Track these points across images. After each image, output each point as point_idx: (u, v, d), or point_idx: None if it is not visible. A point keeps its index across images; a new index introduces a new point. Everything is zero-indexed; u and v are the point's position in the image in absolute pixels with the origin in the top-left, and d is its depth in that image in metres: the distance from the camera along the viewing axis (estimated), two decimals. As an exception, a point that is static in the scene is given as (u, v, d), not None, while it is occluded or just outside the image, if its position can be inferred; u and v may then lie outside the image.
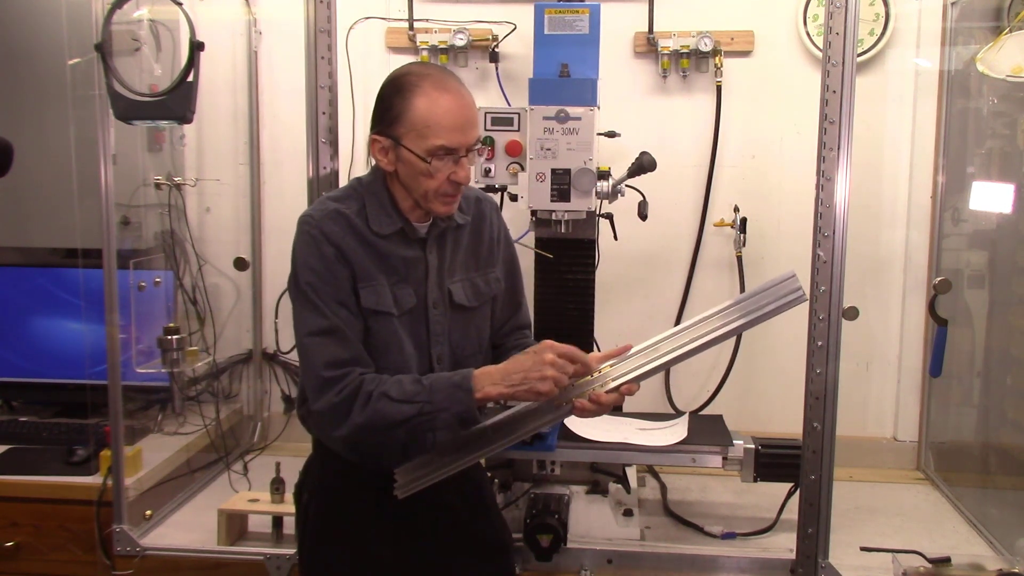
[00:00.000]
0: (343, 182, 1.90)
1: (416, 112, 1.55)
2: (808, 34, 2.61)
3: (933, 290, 2.34)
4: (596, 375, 1.58)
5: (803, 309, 1.91)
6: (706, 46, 2.58)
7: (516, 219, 2.29)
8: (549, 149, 2.20)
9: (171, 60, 2.38)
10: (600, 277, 2.41)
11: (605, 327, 2.51)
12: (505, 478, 2.21)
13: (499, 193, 2.31)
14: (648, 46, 2.65)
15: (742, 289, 2.63)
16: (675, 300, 2.75)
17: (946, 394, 2.61)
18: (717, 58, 2.61)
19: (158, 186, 2.67)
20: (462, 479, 1.76)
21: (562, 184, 2.20)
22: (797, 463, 1.98)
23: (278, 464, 2.19)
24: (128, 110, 2.01)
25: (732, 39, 2.62)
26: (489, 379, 1.51)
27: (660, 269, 2.76)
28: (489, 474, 2.18)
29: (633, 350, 1.59)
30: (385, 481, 1.64)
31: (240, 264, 2.74)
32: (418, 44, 2.68)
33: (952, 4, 2.55)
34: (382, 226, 1.61)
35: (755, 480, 2.10)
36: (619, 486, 2.22)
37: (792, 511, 2.07)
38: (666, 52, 2.62)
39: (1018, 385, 2.27)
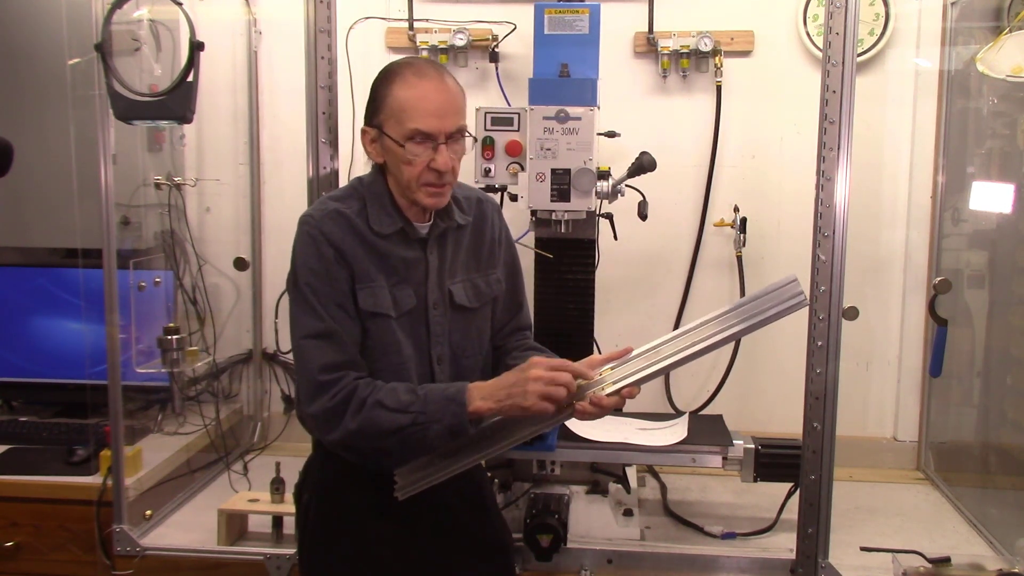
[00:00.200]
0: (343, 182, 1.91)
1: (394, 98, 1.56)
2: (808, 34, 2.61)
3: (933, 290, 2.34)
4: (597, 377, 1.58)
5: (804, 309, 1.92)
6: (706, 46, 2.58)
7: (516, 219, 2.28)
8: (549, 149, 2.20)
9: (171, 60, 2.38)
10: (600, 277, 2.41)
11: (605, 327, 2.51)
12: (505, 478, 2.21)
13: (499, 193, 2.31)
14: (648, 46, 2.65)
15: (742, 289, 2.63)
16: (675, 300, 2.75)
17: (946, 394, 2.61)
18: (717, 58, 2.61)
19: (158, 186, 2.67)
20: (462, 479, 1.75)
21: (562, 184, 2.20)
22: (797, 463, 1.98)
23: (278, 464, 2.19)
24: (128, 110, 2.00)
25: (732, 39, 2.62)
26: (479, 393, 1.52)
27: (660, 269, 2.76)
28: (489, 474, 2.17)
29: (634, 353, 1.59)
30: (385, 481, 1.64)
31: (240, 264, 2.74)
32: (418, 44, 2.68)
33: (952, 4, 2.55)
34: (383, 225, 1.61)
35: (755, 480, 2.11)
36: (619, 486, 2.22)
37: (792, 511, 2.07)
38: (666, 52, 2.62)
39: (1018, 385, 2.27)
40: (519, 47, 2.63)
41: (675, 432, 2.15)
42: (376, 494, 1.66)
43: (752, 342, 2.66)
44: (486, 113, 2.27)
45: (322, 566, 1.71)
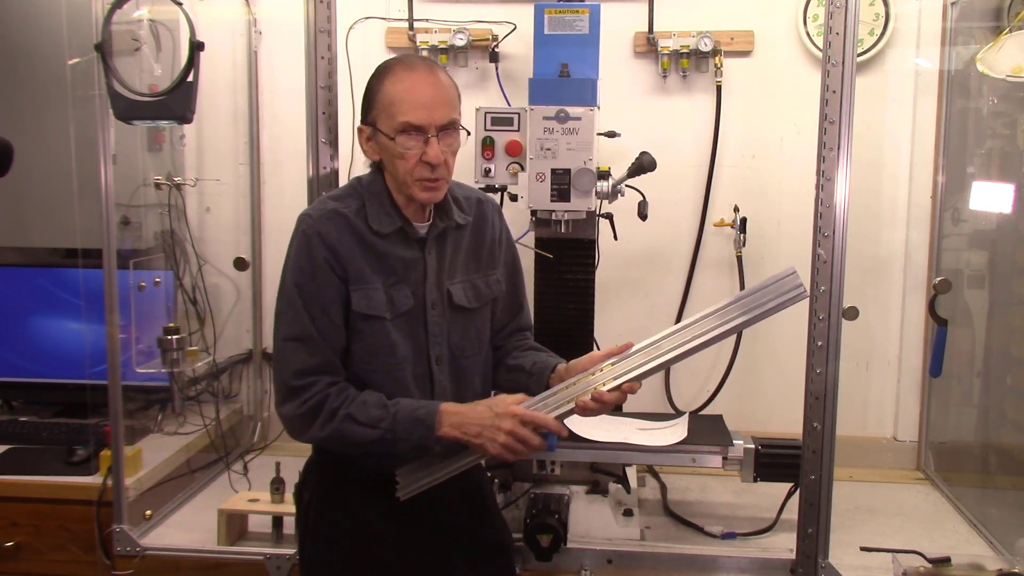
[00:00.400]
0: (343, 182, 1.90)
1: (385, 92, 1.57)
2: (808, 34, 2.61)
3: (933, 290, 2.34)
4: (598, 373, 1.58)
5: (803, 309, 1.92)
6: (706, 46, 2.58)
7: (516, 219, 2.28)
8: (549, 149, 2.20)
9: (171, 60, 2.38)
10: (600, 277, 2.40)
11: (605, 327, 2.50)
12: (505, 478, 2.21)
13: (499, 193, 2.31)
14: (648, 46, 2.65)
15: (742, 289, 2.62)
16: (675, 300, 2.75)
17: (946, 394, 2.61)
18: (717, 58, 2.61)
19: (158, 186, 2.67)
20: (462, 479, 1.76)
21: (562, 184, 2.20)
22: (797, 463, 1.98)
23: (278, 464, 2.19)
24: (128, 110, 2.00)
25: (732, 39, 2.62)
26: (450, 420, 1.55)
27: (660, 269, 2.76)
28: (489, 474, 2.17)
29: (634, 348, 1.59)
30: (386, 482, 1.64)
31: (240, 264, 2.74)
32: (418, 44, 2.68)
33: (952, 4, 2.55)
34: (382, 225, 1.61)
35: (755, 480, 2.10)
36: (619, 486, 2.22)
37: (792, 511, 2.07)
38: (666, 52, 2.62)
39: (1018, 385, 2.27)
40: (519, 47, 2.63)
41: (675, 432, 2.15)
42: (376, 494, 1.66)
43: (752, 342, 2.66)
44: (486, 113, 2.27)
45: (322, 566, 1.71)
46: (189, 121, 2.03)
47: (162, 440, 2.57)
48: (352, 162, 2.50)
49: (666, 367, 1.61)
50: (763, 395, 2.74)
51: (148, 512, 2.24)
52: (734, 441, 2.11)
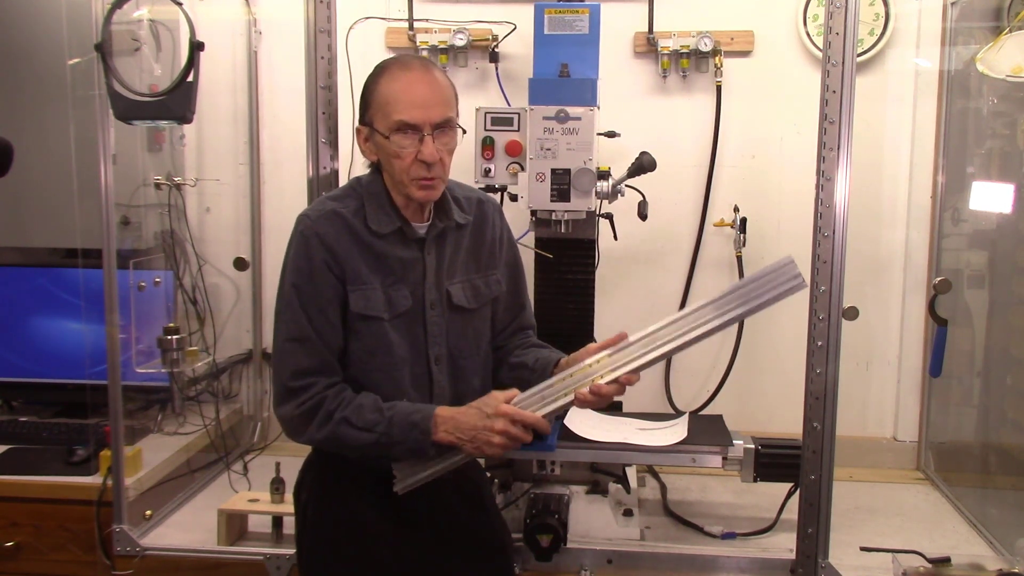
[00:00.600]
0: (343, 182, 1.91)
1: (380, 91, 1.58)
2: (808, 34, 2.61)
3: (933, 290, 2.34)
4: (595, 365, 1.57)
5: (803, 309, 1.92)
6: (706, 46, 2.58)
7: (516, 219, 2.28)
8: (549, 149, 2.20)
9: (171, 60, 2.38)
10: (600, 277, 2.41)
11: (605, 327, 2.50)
12: (505, 478, 2.21)
13: (499, 193, 2.31)
14: (648, 46, 2.65)
15: (742, 289, 2.63)
16: (675, 300, 2.75)
17: (946, 394, 2.61)
18: (717, 58, 2.61)
19: (158, 186, 2.67)
20: (461, 479, 1.76)
21: (562, 184, 2.20)
22: (797, 463, 1.98)
23: (278, 464, 2.19)
24: (128, 110, 2.00)
25: (732, 39, 2.62)
26: (444, 425, 1.55)
27: (660, 269, 2.76)
28: (489, 474, 2.18)
29: (632, 339, 1.58)
30: (384, 481, 1.64)
31: (240, 264, 2.74)
32: (418, 44, 2.68)
33: (952, 4, 2.55)
34: (380, 225, 1.61)
35: (755, 480, 2.10)
36: (619, 486, 2.22)
37: (792, 511, 2.07)
38: (666, 52, 2.62)
39: (1018, 385, 2.27)
40: (519, 47, 2.63)
41: (675, 432, 2.15)
42: (375, 494, 1.66)
43: (752, 342, 2.66)
44: (486, 113, 2.27)
45: (321, 566, 1.71)
46: (189, 121, 2.03)
47: (162, 440, 2.57)
48: (352, 162, 2.50)
49: (664, 359, 1.60)
50: (763, 395, 2.74)
51: (148, 512, 2.24)
52: (734, 441, 2.11)
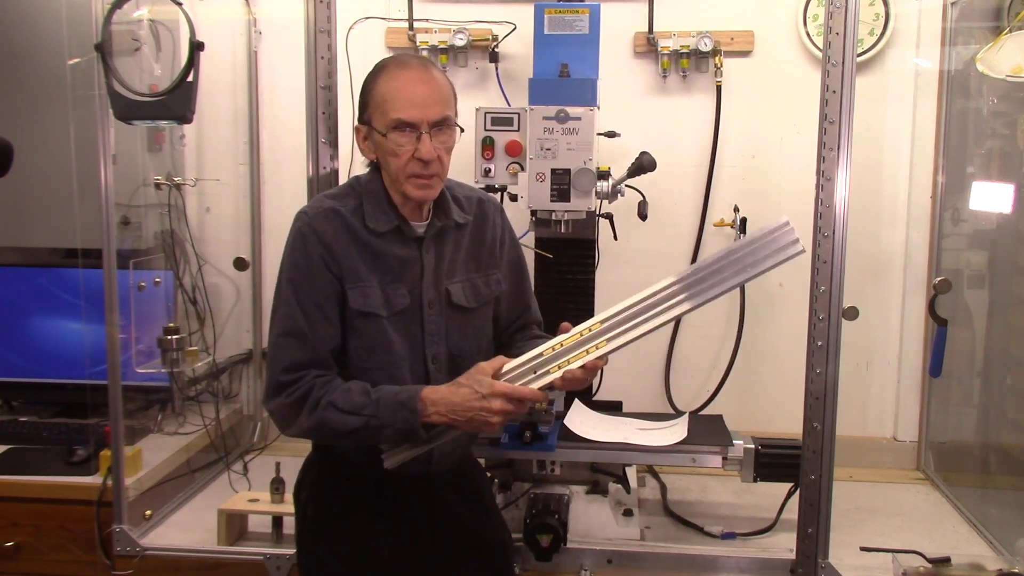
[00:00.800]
0: (343, 182, 1.90)
1: (378, 90, 1.58)
2: (808, 34, 2.61)
3: (933, 290, 2.34)
4: (587, 333, 1.57)
5: (803, 309, 1.92)
6: (706, 46, 2.58)
7: (516, 219, 2.28)
8: (549, 149, 2.20)
9: (171, 60, 2.38)
10: (600, 277, 2.41)
11: (605, 327, 2.50)
12: (505, 478, 2.21)
13: (499, 193, 2.31)
14: (648, 46, 2.65)
15: (741, 290, 2.62)
16: (675, 300, 2.74)
17: (946, 394, 2.61)
18: (717, 58, 2.61)
19: (158, 186, 2.67)
20: (461, 479, 1.76)
21: (562, 184, 2.20)
22: (797, 463, 1.98)
23: (278, 464, 2.19)
24: (128, 110, 2.00)
25: (732, 39, 2.62)
26: (434, 406, 1.53)
27: (660, 269, 2.73)
28: (489, 474, 2.18)
29: (623, 304, 1.59)
30: (383, 481, 1.64)
31: (240, 264, 2.74)
32: (418, 44, 2.68)
33: (952, 4, 2.55)
34: (378, 223, 1.62)
35: (755, 480, 2.10)
36: (619, 486, 2.22)
37: (792, 511, 2.07)
38: (666, 52, 2.62)
39: (1018, 385, 2.27)
40: (519, 47, 2.63)
41: (675, 432, 2.15)
42: (375, 494, 1.66)
43: (752, 342, 2.66)
44: (486, 113, 2.27)
45: (320, 566, 1.71)
46: (189, 121, 2.03)
47: (162, 440, 2.57)
48: (352, 162, 2.50)
49: (657, 329, 1.58)
50: (763, 395, 2.74)
51: (148, 512, 2.24)
52: (734, 441, 2.11)
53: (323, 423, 1.55)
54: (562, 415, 2.21)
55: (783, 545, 2.11)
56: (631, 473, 2.29)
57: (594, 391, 2.50)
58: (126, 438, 2.20)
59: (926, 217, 2.64)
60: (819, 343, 1.91)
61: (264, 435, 2.86)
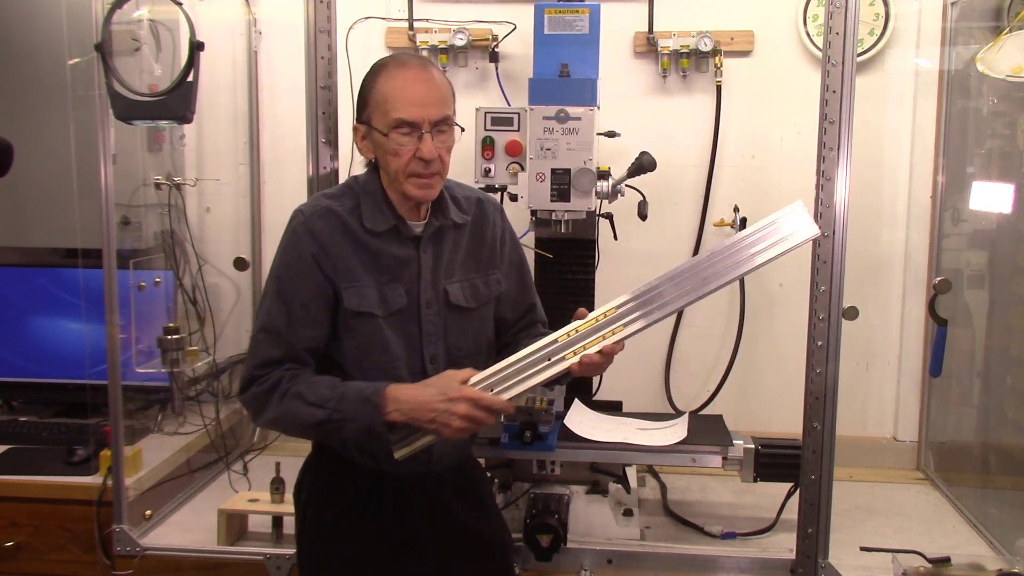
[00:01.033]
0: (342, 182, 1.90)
1: (378, 89, 1.58)
2: (808, 34, 2.61)
3: (933, 290, 2.34)
4: (602, 319, 1.56)
5: (803, 309, 1.92)
6: (706, 46, 2.58)
7: (516, 219, 2.28)
8: (549, 149, 2.20)
9: (171, 60, 2.38)
10: (600, 277, 2.41)
11: (605, 327, 2.50)
12: (505, 478, 2.21)
13: (499, 193, 2.31)
14: (648, 46, 2.65)
15: (742, 290, 2.62)
16: (675, 300, 2.74)
17: (946, 394, 2.61)
18: (717, 58, 2.61)
19: (158, 186, 2.67)
20: (461, 479, 1.76)
21: (562, 184, 2.20)
22: (797, 463, 1.98)
23: (278, 464, 2.19)
24: (128, 110, 2.00)
25: (732, 39, 2.62)
26: (397, 404, 1.51)
27: (660, 269, 2.73)
28: (489, 474, 2.18)
29: (638, 290, 1.59)
30: (383, 480, 1.64)
31: (240, 264, 2.74)
32: (418, 44, 2.68)
33: (952, 4, 2.55)
34: (375, 223, 1.62)
35: (755, 480, 2.10)
36: (619, 486, 2.22)
37: (792, 511, 2.07)
38: (666, 52, 2.62)
39: (1018, 385, 2.27)
40: (519, 47, 2.63)
41: (675, 432, 2.15)
42: (374, 494, 1.66)
43: (752, 342, 2.66)
44: (486, 113, 2.27)
45: (320, 566, 1.71)
46: (189, 121, 2.03)
47: (162, 440, 2.57)
48: (352, 162, 2.50)
49: (673, 314, 1.57)
50: (763, 395, 2.74)
51: (148, 512, 2.24)
52: (734, 441, 2.11)
53: (289, 413, 1.54)
54: (562, 415, 2.21)
55: (783, 545, 2.11)
56: (631, 473, 2.29)
57: (594, 391, 2.50)
58: (126, 438, 2.20)
59: (926, 217, 2.64)
60: (819, 343, 1.91)
61: (264, 435, 2.86)
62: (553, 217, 2.25)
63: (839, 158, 1.86)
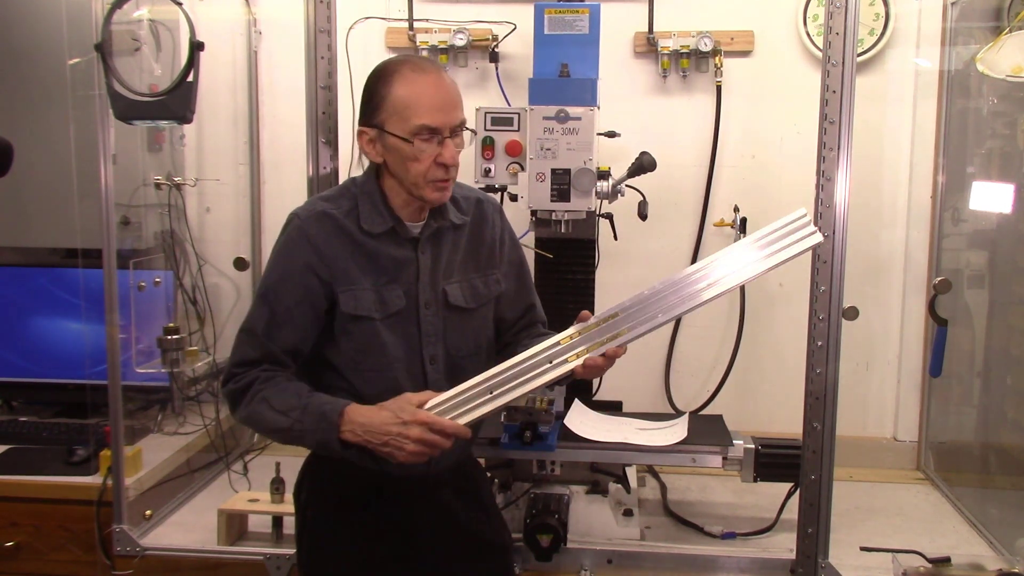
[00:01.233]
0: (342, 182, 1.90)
1: (396, 95, 1.56)
2: (808, 34, 2.61)
3: (933, 290, 2.34)
4: (604, 324, 1.57)
5: (803, 309, 1.92)
6: (706, 46, 2.58)
7: (516, 219, 2.28)
8: (549, 149, 2.20)
9: (171, 60, 2.38)
10: (600, 277, 2.41)
11: (605, 327, 2.50)
12: (505, 478, 2.21)
13: (499, 193, 2.31)
14: (648, 46, 2.65)
15: (741, 290, 2.62)
16: (675, 300, 2.74)
17: (946, 394, 2.61)
18: (717, 58, 2.61)
19: (158, 186, 2.67)
20: (461, 479, 1.76)
21: (562, 184, 2.20)
22: (797, 463, 1.98)
23: (278, 464, 2.19)
24: (128, 110, 2.00)
25: (732, 39, 2.62)
26: (351, 426, 1.51)
27: (660, 269, 2.75)
28: (489, 474, 2.18)
29: (642, 294, 1.59)
30: (383, 481, 1.64)
31: (240, 264, 2.74)
32: (418, 44, 2.68)
33: (952, 4, 2.55)
34: (373, 225, 1.61)
35: (755, 480, 2.10)
36: (619, 486, 2.22)
37: (792, 511, 2.07)
38: (666, 52, 2.62)
39: (1018, 385, 2.27)
40: (519, 47, 2.63)
41: (675, 432, 2.15)
42: (374, 494, 1.66)
43: (752, 342, 2.66)
44: (486, 113, 2.27)
45: (320, 566, 1.71)
46: (189, 121, 2.03)
47: (162, 440, 2.57)
48: (352, 162, 2.50)
49: (674, 320, 1.59)
50: (763, 395, 2.74)
51: (148, 512, 2.24)
52: (734, 441, 2.11)
53: (256, 415, 1.56)
54: (562, 415, 2.21)
55: (783, 545, 2.11)
56: (631, 473, 2.29)
57: (594, 391, 2.50)
58: (126, 438, 2.20)
59: (926, 217, 2.64)
60: (819, 343, 1.91)
61: (264, 435, 2.87)
62: (553, 217, 2.25)
63: (839, 158, 1.86)
